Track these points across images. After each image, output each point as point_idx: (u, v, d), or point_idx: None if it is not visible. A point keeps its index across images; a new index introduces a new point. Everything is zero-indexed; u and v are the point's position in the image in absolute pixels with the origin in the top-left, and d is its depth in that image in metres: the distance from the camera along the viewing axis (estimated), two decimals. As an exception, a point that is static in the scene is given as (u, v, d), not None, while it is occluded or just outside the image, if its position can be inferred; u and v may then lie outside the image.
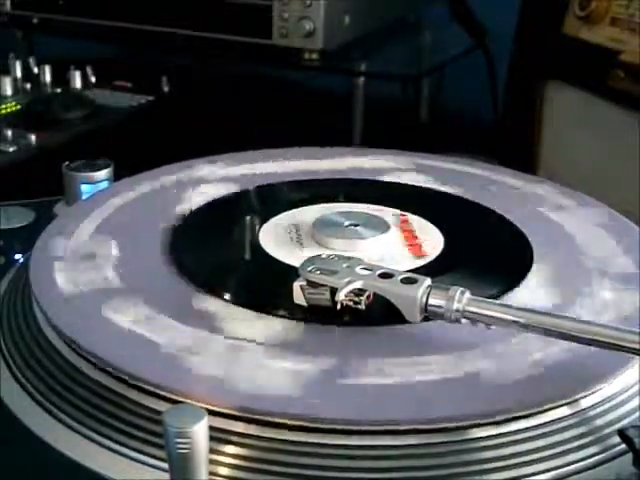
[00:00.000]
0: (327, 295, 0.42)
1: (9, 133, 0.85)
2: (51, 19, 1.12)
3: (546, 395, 0.38)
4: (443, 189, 0.57)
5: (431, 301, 0.40)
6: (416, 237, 0.50)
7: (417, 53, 1.15)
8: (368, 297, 0.41)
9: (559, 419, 0.38)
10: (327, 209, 0.53)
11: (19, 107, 0.93)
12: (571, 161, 0.88)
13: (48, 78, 1.01)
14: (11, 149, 0.82)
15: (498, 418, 0.37)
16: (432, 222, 0.52)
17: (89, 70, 1.03)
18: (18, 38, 1.20)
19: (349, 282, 0.41)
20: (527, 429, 0.37)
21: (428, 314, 0.40)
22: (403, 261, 0.47)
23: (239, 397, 0.37)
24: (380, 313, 0.42)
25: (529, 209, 0.55)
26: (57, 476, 0.38)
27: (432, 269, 0.46)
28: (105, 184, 0.59)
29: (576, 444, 0.37)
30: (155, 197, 0.56)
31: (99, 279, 0.46)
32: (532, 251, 0.49)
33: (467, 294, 0.40)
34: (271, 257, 0.48)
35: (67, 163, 0.60)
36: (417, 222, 0.52)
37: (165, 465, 0.34)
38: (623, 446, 0.36)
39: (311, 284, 0.42)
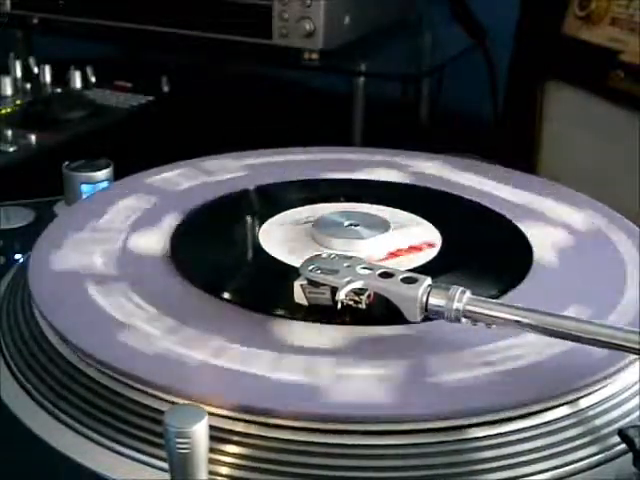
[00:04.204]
0: (328, 294, 0.42)
1: (9, 133, 0.85)
2: (51, 19, 1.11)
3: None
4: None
5: (431, 300, 0.40)
6: (408, 252, 0.49)
7: (417, 53, 1.14)
8: (369, 296, 0.41)
9: (559, 419, 0.38)
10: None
11: (19, 107, 0.93)
12: (571, 161, 0.88)
13: (48, 78, 1.01)
14: (11, 149, 0.82)
15: (498, 417, 0.37)
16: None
17: (89, 70, 1.03)
18: (18, 38, 1.19)
19: (350, 281, 0.41)
20: (527, 429, 0.37)
21: (428, 313, 0.40)
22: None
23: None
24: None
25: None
26: (57, 476, 0.38)
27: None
28: (105, 184, 0.59)
29: (576, 444, 0.37)
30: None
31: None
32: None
33: (467, 293, 0.40)
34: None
35: (67, 163, 0.60)
36: (427, 252, 0.49)
37: (165, 465, 0.34)
38: (623, 446, 0.36)
39: (312, 283, 0.42)
